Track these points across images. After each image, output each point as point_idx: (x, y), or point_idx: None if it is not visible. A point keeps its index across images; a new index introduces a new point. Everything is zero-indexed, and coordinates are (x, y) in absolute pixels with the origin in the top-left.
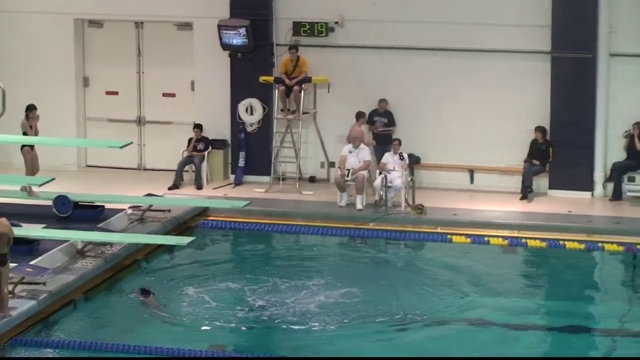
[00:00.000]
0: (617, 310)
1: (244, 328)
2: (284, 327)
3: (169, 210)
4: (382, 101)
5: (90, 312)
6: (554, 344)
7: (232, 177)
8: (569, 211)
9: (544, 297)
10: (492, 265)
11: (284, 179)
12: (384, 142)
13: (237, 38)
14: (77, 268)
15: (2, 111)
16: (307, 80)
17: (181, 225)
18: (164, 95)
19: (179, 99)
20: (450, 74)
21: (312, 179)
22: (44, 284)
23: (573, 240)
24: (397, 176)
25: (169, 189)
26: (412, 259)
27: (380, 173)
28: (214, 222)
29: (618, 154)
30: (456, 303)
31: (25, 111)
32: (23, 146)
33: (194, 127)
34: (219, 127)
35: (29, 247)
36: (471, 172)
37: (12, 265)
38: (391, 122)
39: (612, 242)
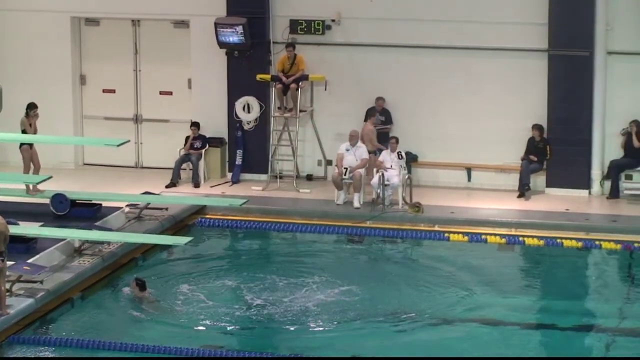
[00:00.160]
0: (614, 308)
1: (242, 326)
2: (282, 325)
3: (166, 209)
4: (379, 99)
5: (88, 311)
6: (551, 342)
7: (229, 175)
8: (567, 209)
9: (540, 295)
10: (489, 264)
11: (281, 177)
12: (381, 140)
13: (234, 36)
14: (75, 266)
15: None
16: (304, 78)
17: (178, 224)
18: (161, 93)
19: (176, 97)
20: (448, 72)
21: (310, 177)
22: (42, 282)
23: (570, 238)
24: (395, 174)
25: (167, 187)
26: (409, 257)
27: (377, 171)
28: (211, 220)
29: (615, 151)
30: (454, 301)
31: (26, 109)
32: (22, 144)
33: (191, 125)
34: (216, 125)
35: (26, 246)
36: (468, 170)
37: (9, 263)
38: (388, 120)
39: (609, 240)
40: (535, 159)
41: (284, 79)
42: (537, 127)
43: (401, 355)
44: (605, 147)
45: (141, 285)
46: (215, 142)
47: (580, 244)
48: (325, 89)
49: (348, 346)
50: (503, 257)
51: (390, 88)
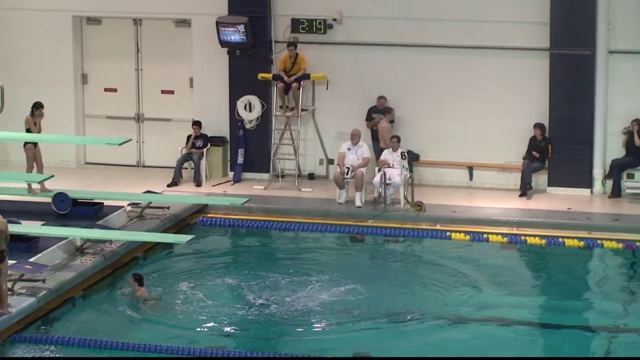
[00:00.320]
0: (616, 307)
1: (244, 326)
2: (285, 325)
3: (167, 208)
4: (381, 98)
5: (89, 310)
6: (551, 341)
7: (231, 174)
8: (568, 208)
9: (542, 294)
10: (491, 263)
11: (282, 176)
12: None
13: (235, 35)
14: (76, 265)
15: (0, 108)
16: (306, 77)
17: (180, 223)
18: (163, 92)
19: (178, 96)
20: (449, 71)
21: (311, 176)
22: (43, 281)
23: (572, 238)
24: (396, 173)
25: (168, 186)
26: (411, 256)
27: (379, 170)
28: (212, 220)
29: (617, 150)
30: (456, 300)
31: (32, 108)
32: (26, 143)
33: (193, 124)
34: (217, 124)
35: (28, 245)
36: (470, 169)
37: (11, 262)
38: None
39: (611, 239)
40: (538, 155)
41: (285, 78)
42: (538, 126)
43: (405, 355)
44: (607, 146)
45: (139, 280)
46: (217, 141)
47: (582, 243)
48: (327, 88)
49: (351, 346)
50: (505, 256)
51: (392, 87)
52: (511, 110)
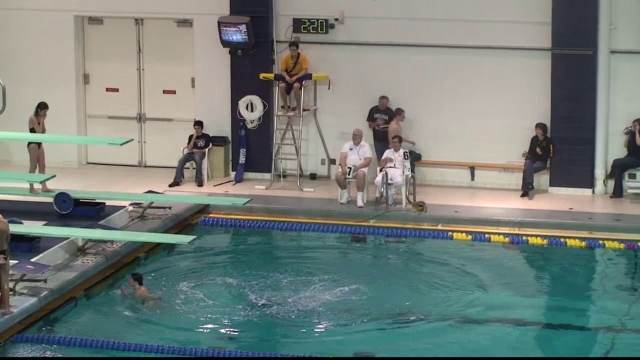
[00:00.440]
0: (618, 307)
1: (246, 326)
2: (287, 325)
3: (169, 208)
4: (383, 98)
5: (91, 310)
6: (553, 341)
7: (232, 174)
8: (570, 208)
9: (543, 294)
10: (493, 263)
11: (284, 176)
12: (384, 139)
13: (237, 35)
14: (78, 265)
15: (2, 108)
16: (308, 77)
17: (182, 223)
18: (165, 92)
19: (180, 95)
20: (451, 71)
21: (313, 176)
22: (45, 281)
23: (574, 238)
24: (398, 173)
25: (170, 186)
26: (412, 256)
27: (381, 170)
28: (214, 220)
29: (619, 150)
30: (458, 300)
31: (36, 108)
32: (29, 143)
33: (195, 124)
34: (219, 124)
35: (30, 245)
36: (472, 169)
37: (12, 262)
38: (391, 119)
39: (612, 239)
40: (540, 152)
41: (287, 77)
42: (540, 126)
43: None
44: (609, 146)
45: (138, 279)
46: (219, 141)
47: (583, 243)
48: (329, 88)
49: (354, 347)
50: (506, 257)
51: (394, 87)
52: (513, 110)
